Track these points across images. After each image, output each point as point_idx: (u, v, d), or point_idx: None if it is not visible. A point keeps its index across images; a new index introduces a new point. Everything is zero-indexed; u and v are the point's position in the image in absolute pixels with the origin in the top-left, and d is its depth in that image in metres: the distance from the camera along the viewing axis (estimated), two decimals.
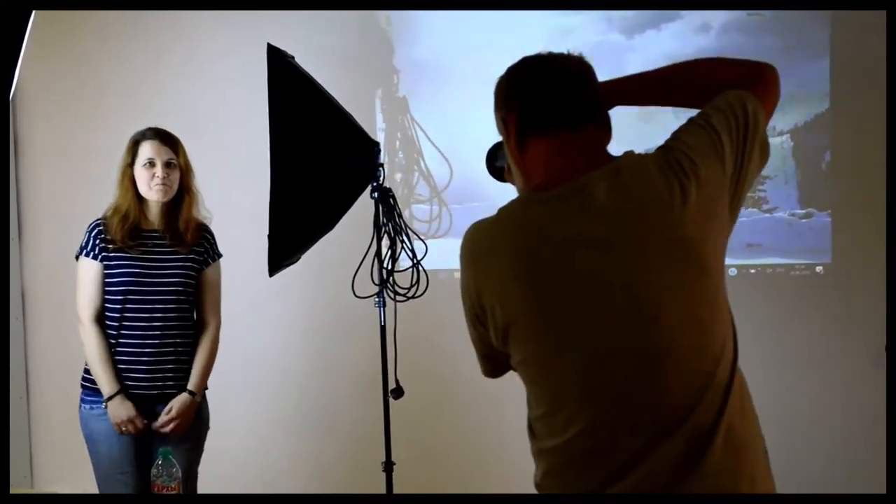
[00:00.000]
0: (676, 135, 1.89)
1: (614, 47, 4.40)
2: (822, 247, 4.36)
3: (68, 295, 4.84)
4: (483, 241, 1.90)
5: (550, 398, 1.85)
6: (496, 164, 2.12)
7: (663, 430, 1.76)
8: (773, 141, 4.33)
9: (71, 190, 4.93)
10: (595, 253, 1.78)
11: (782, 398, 4.41)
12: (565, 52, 1.95)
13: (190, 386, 3.61)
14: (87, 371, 3.59)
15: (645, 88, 2.08)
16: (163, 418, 3.55)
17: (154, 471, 2.87)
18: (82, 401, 3.62)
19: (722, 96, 1.92)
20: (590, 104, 1.91)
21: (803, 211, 4.37)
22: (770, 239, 4.40)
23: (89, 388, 3.58)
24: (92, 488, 3.66)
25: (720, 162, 1.83)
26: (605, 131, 1.93)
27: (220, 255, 3.72)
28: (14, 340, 4.91)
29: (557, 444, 1.84)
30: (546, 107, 1.89)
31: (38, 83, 4.92)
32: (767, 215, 4.40)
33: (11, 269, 4.90)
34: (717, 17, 4.40)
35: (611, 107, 2.00)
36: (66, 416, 4.84)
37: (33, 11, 3.31)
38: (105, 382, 3.53)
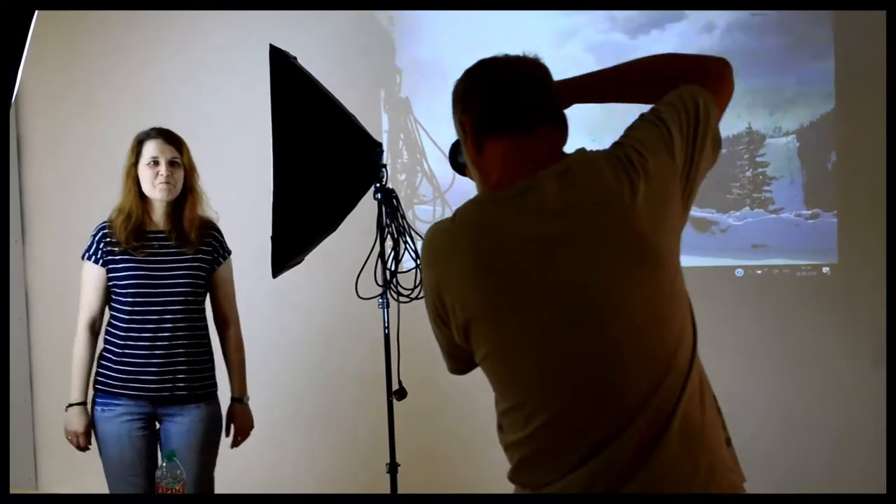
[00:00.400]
0: (627, 131, 1.92)
1: (618, 47, 4.39)
2: (828, 247, 4.35)
3: (72, 296, 4.85)
4: (441, 242, 1.94)
5: (513, 393, 1.89)
6: (458, 159, 2.14)
7: (622, 420, 1.79)
8: (779, 141, 4.33)
9: (74, 191, 4.93)
10: (548, 250, 1.81)
11: (788, 398, 4.40)
12: (521, 53, 1.98)
13: (235, 394, 3.68)
14: (99, 374, 3.59)
15: (599, 86, 2.11)
16: (234, 437, 3.64)
17: (158, 472, 2.87)
18: (94, 402, 3.60)
19: (674, 91, 1.94)
20: (544, 105, 1.95)
21: (809, 211, 4.36)
22: (776, 240, 4.40)
23: (102, 390, 3.57)
24: (96, 490, 3.65)
25: (670, 156, 1.86)
26: (561, 131, 1.96)
27: (229, 253, 3.71)
28: (18, 342, 4.91)
29: (522, 438, 1.88)
30: (500, 109, 1.93)
31: (41, 84, 4.92)
32: (773, 216, 4.39)
33: (16, 270, 4.90)
34: (721, 17, 4.40)
35: (567, 106, 2.03)
36: None
37: (36, 11, 3.31)
38: (74, 388, 3.58)
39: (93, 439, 3.58)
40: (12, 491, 3.19)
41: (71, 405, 3.57)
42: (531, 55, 1.98)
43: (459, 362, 2.05)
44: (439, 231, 1.96)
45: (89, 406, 3.58)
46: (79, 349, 3.60)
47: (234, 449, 3.69)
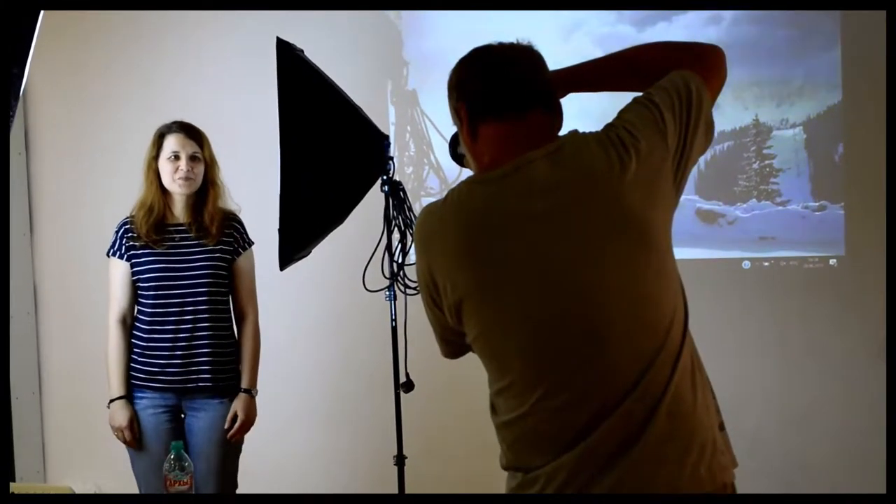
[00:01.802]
0: (620, 113, 1.95)
1: (625, 40, 4.38)
2: (836, 239, 4.35)
3: (80, 290, 4.87)
4: (432, 222, 1.97)
5: (505, 373, 1.90)
6: (458, 150, 2.17)
7: (612, 401, 1.80)
8: (786, 134, 4.33)
9: (82, 185, 4.94)
10: (537, 227, 1.83)
11: (794, 390, 4.40)
12: (515, 41, 2.00)
13: (244, 385, 3.64)
14: (132, 368, 3.59)
15: (594, 75, 2.13)
16: (235, 427, 3.59)
17: (166, 465, 2.86)
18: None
19: (667, 77, 1.97)
20: (536, 90, 1.96)
21: (816, 203, 4.36)
22: (783, 232, 4.39)
23: (134, 384, 3.59)
24: (103, 482, 3.66)
25: (662, 138, 1.88)
26: (555, 116, 1.98)
27: (251, 244, 3.71)
28: (26, 336, 4.91)
29: (514, 418, 1.89)
30: (493, 94, 1.95)
31: (49, 78, 4.92)
32: (780, 208, 4.39)
33: (23, 263, 4.90)
34: None
35: (562, 95, 2.05)
36: (78, 410, 4.86)
37: (42, 11, 3.32)
38: (113, 384, 3.58)
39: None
40: (20, 484, 3.19)
41: (112, 400, 3.57)
42: (524, 42, 2.00)
43: (452, 345, 2.07)
44: (429, 213, 1.98)
45: (136, 398, 3.59)
46: (112, 344, 3.59)
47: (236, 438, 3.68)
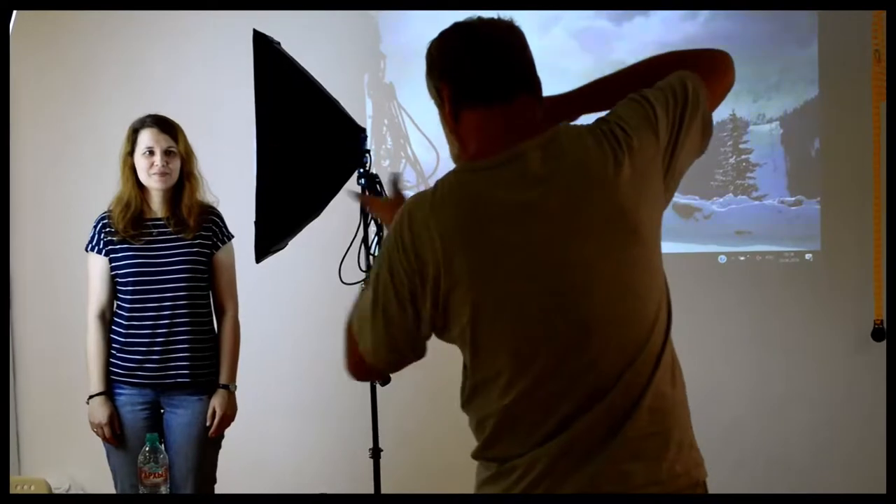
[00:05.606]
0: (613, 109, 1.94)
1: (602, 33, 4.38)
2: (812, 234, 4.37)
3: (55, 284, 4.85)
4: (423, 211, 1.89)
5: (491, 363, 1.87)
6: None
7: (594, 394, 1.80)
8: (762, 128, 4.34)
9: (58, 179, 4.91)
10: (529, 218, 1.82)
11: (771, 384, 4.42)
12: (496, 17, 1.99)
13: (222, 380, 3.62)
14: (111, 363, 3.58)
15: (606, 93, 2.08)
16: (214, 424, 3.57)
17: (141, 457, 2.86)
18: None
19: (665, 78, 1.97)
20: (521, 73, 1.95)
21: (792, 198, 4.38)
22: (759, 226, 4.41)
23: (112, 379, 3.57)
24: (78, 475, 3.64)
25: (654, 134, 1.88)
26: (538, 100, 1.97)
27: (230, 237, 3.69)
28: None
29: (496, 409, 1.87)
30: (479, 78, 1.92)
31: (27, 75, 4.88)
32: (757, 202, 4.40)
33: None
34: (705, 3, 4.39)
35: (575, 116, 2.03)
36: (53, 403, 4.84)
37: (14, 11, 3.31)
38: (93, 380, 3.56)
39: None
40: None
41: (91, 396, 3.55)
42: (506, 18, 1.99)
43: (396, 354, 2.00)
44: (419, 202, 1.91)
45: (116, 394, 3.58)
46: (91, 340, 3.57)
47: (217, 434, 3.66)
